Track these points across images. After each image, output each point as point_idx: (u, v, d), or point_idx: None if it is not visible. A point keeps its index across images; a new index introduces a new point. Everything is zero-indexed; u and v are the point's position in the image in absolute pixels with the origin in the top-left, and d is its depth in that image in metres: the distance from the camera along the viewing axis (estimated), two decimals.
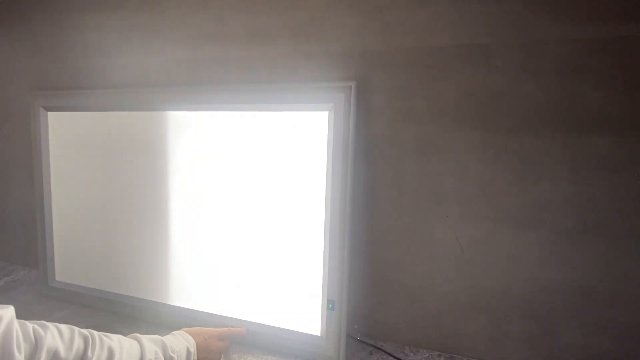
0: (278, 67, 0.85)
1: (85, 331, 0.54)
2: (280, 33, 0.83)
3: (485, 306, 0.79)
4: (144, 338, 0.61)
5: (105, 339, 0.56)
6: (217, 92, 0.83)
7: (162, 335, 0.65)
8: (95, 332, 0.55)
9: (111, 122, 0.95)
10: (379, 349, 0.85)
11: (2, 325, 0.43)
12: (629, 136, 0.66)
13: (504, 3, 0.69)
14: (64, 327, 0.52)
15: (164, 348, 0.61)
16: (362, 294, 0.88)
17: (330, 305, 0.79)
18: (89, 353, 0.51)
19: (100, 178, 0.99)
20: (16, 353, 0.43)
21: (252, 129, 0.82)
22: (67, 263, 1.07)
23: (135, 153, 0.93)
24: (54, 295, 1.06)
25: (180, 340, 0.66)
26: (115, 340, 0.56)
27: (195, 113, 0.87)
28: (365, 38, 0.78)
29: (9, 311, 0.45)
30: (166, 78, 0.95)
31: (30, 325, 0.48)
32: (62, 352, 0.48)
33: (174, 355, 0.62)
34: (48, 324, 0.51)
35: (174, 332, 0.69)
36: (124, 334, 0.90)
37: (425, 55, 0.75)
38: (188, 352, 0.65)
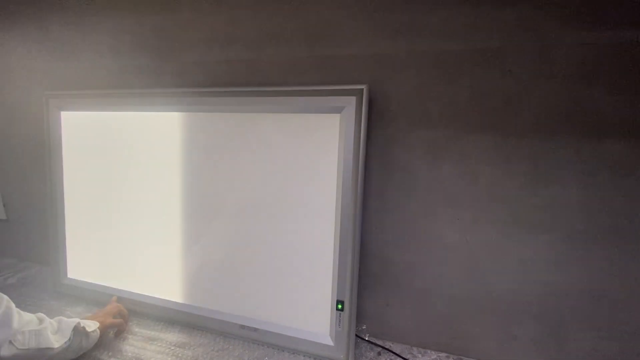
0: (290, 69, 0.85)
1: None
2: (292, 36, 0.84)
3: (495, 309, 0.79)
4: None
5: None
6: (228, 94, 0.84)
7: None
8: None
9: (124, 122, 0.97)
10: (387, 349, 0.86)
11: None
12: None
13: (517, 7, 0.69)
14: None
15: (60, 322, 0.76)
16: (371, 295, 0.89)
17: (339, 306, 0.79)
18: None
19: (112, 177, 1.00)
20: None
21: (264, 131, 0.83)
22: (79, 260, 1.08)
23: (147, 153, 0.95)
24: (66, 292, 1.08)
25: (73, 320, 0.77)
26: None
27: (207, 114, 0.87)
28: (378, 41, 0.78)
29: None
30: (178, 79, 0.96)
31: None
32: None
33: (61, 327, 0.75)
34: None
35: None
36: (135, 332, 0.92)
37: (438, 59, 0.75)
38: (76, 328, 0.76)
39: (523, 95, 0.71)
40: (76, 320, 0.77)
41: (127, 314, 0.93)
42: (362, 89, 0.73)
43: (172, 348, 0.85)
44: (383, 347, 0.86)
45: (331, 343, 0.81)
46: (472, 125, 0.75)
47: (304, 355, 0.83)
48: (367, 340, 0.89)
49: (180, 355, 0.83)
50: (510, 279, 0.77)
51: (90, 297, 1.04)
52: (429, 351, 0.86)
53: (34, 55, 1.13)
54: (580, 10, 0.66)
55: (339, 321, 0.80)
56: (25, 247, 1.30)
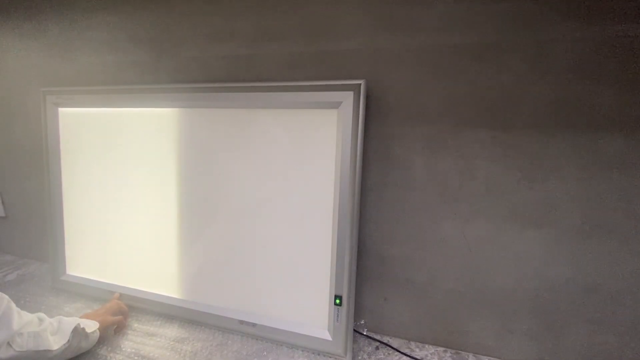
0: (287, 64, 0.85)
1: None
2: (289, 31, 0.84)
3: (492, 303, 0.80)
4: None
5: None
6: (226, 89, 0.84)
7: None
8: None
9: (122, 119, 0.96)
10: (385, 344, 0.86)
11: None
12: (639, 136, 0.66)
13: (514, 2, 0.69)
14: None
15: (60, 322, 0.75)
16: (369, 290, 0.89)
17: (337, 301, 0.80)
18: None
19: (111, 173, 1.00)
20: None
21: (262, 126, 0.83)
22: (78, 257, 1.08)
23: (145, 149, 0.94)
24: (65, 288, 1.08)
25: (72, 320, 0.77)
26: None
27: (205, 110, 0.87)
28: (375, 36, 0.78)
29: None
30: (176, 75, 0.96)
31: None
32: None
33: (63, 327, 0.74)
34: None
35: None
36: (135, 327, 0.92)
37: (436, 54, 0.75)
38: (76, 329, 0.75)
39: (521, 90, 0.71)
40: (76, 320, 0.77)
41: (127, 310, 0.93)
42: (360, 84, 0.73)
43: (172, 343, 0.85)
44: (381, 342, 0.87)
45: (329, 338, 0.81)
46: (469, 120, 0.75)
47: (302, 350, 0.83)
48: (365, 335, 0.89)
49: (179, 350, 0.83)
50: (507, 273, 0.78)
51: (89, 293, 1.04)
52: (426, 345, 0.86)
53: (31, 51, 1.13)
54: (577, 5, 0.66)
55: (337, 316, 0.80)
56: (24, 244, 1.30)
